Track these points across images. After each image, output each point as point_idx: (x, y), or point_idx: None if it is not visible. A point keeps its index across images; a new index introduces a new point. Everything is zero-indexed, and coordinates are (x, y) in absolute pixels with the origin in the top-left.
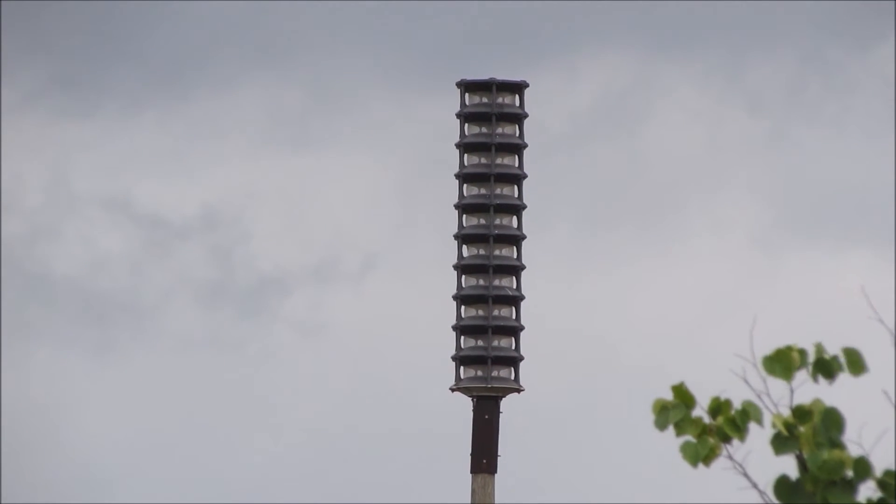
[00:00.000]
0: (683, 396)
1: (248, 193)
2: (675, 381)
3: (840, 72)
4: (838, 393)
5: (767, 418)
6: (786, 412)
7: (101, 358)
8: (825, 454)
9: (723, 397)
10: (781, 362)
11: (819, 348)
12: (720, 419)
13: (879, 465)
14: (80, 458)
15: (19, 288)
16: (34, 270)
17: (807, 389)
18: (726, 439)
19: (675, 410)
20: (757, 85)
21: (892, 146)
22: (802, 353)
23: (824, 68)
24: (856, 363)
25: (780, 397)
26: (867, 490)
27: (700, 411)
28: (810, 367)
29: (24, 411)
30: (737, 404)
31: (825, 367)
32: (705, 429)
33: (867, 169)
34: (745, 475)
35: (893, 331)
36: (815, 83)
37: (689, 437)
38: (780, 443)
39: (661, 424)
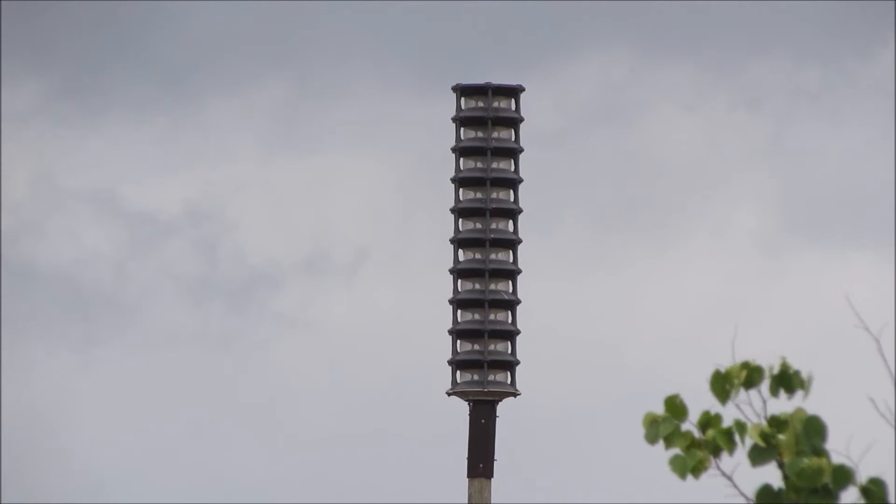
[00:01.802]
0: (675, 409)
1: (241, 192)
2: (674, 385)
3: (843, 71)
4: (824, 401)
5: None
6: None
7: (90, 354)
8: (804, 462)
9: (709, 409)
10: (723, 382)
11: (784, 364)
12: (710, 432)
13: (866, 473)
14: (68, 454)
15: (7, 284)
16: (20, 266)
17: (784, 400)
18: (716, 452)
19: (664, 424)
20: (758, 85)
21: (894, 146)
22: (757, 369)
23: (827, 67)
24: (806, 386)
25: (760, 416)
26: (850, 496)
27: (690, 425)
28: (769, 382)
29: (13, 408)
30: (714, 413)
31: (786, 382)
32: (694, 441)
33: (871, 169)
34: (737, 488)
35: (893, 337)
36: (818, 83)
37: (678, 451)
38: (758, 454)
39: (651, 438)
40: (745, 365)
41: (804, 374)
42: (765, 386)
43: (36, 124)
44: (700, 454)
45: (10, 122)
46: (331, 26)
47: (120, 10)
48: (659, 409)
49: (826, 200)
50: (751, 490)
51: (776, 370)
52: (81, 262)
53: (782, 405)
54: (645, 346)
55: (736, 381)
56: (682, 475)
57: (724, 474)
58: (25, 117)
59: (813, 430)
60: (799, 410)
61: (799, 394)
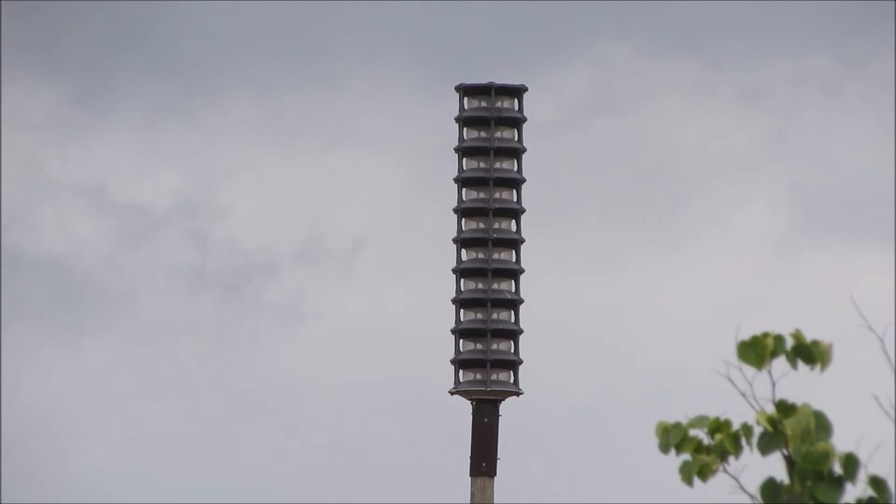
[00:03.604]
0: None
1: (239, 190)
2: (677, 384)
3: (850, 66)
4: (829, 400)
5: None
6: (769, 408)
7: (81, 346)
8: (810, 446)
9: (710, 403)
10: (755, 349)
11: (798, 335)
12: (718, 437)
13: (871, 471)
14: (58, 446)
15: None
16: (10, 256)
17: (789, 384)
18: (724, 456)
19: (674, 431)
20: (765, 82)
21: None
22: (779, 339)
23: (835, 62)
24: (824, 357)
25: (766, 401)
26: (858, 490)
27: (701, 432)
28: (788, 354)
29: (2, 400)
30: (721, 407)
31: (805, 353)
32: (701, 446)
33: (877, 167)
34: (742, 487)
35: (894, 337)
36: (823, 80)
37: (688, 457)
38: (766, 441)
39: (664, 447)
40: (767, 335)
41: (822, 344)
42: (780, 361)
43: (29, 118)
44: (706, 458)
45: (8, 119)
46: (334, 25)
47: (119, 6)
48: (662, 408)
49: (833, 198)
50: (757, 492)
51: (791, 344)
52: (72, 253)
53: (798, 381)
54: (648, 345)
55: (767, 348)
56: (689, 481)
57: (730, 475)
58: (20, 112)
59: (818, 426)
60: (805, 406)
61: (831, 385)
